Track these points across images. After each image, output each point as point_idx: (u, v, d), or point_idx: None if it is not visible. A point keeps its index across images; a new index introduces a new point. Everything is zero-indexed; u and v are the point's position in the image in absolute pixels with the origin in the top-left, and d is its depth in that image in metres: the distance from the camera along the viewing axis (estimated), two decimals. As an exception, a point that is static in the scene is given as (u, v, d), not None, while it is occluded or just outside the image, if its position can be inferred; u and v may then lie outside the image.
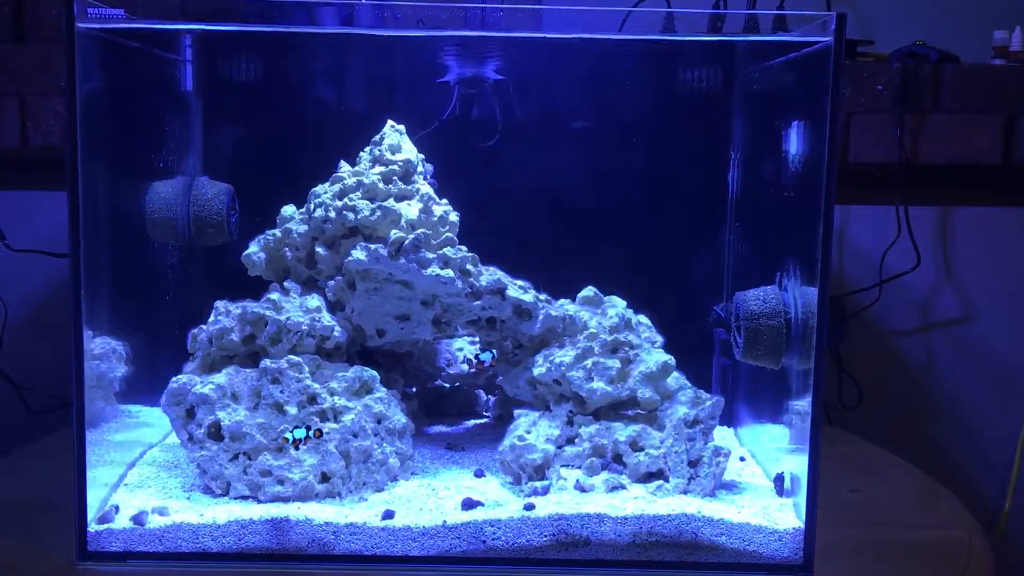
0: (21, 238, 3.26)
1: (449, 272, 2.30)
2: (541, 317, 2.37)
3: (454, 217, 2.45)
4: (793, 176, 2.29)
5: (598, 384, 2.27)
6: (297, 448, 1.99)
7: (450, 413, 2.73)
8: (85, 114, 1.98)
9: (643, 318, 2.49)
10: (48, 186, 3.07)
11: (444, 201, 2.50)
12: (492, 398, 2.72)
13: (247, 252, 2.43)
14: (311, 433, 1.97)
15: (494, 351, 2.41)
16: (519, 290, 2.38)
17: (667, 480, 2.18)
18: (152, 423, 2.63)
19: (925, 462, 2.84)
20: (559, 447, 2.25)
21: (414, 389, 2.67)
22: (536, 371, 2.33)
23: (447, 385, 2.76)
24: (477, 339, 2.69)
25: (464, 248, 2.38)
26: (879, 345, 3.61)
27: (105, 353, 2.46)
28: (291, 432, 2.07)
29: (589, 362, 2.29)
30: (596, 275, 2.62)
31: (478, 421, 2.72)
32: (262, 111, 2.85)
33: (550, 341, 2.42)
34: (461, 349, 2.71)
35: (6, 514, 2.26)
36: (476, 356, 2.37)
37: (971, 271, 3.55)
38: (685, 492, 2.17)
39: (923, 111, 3.09)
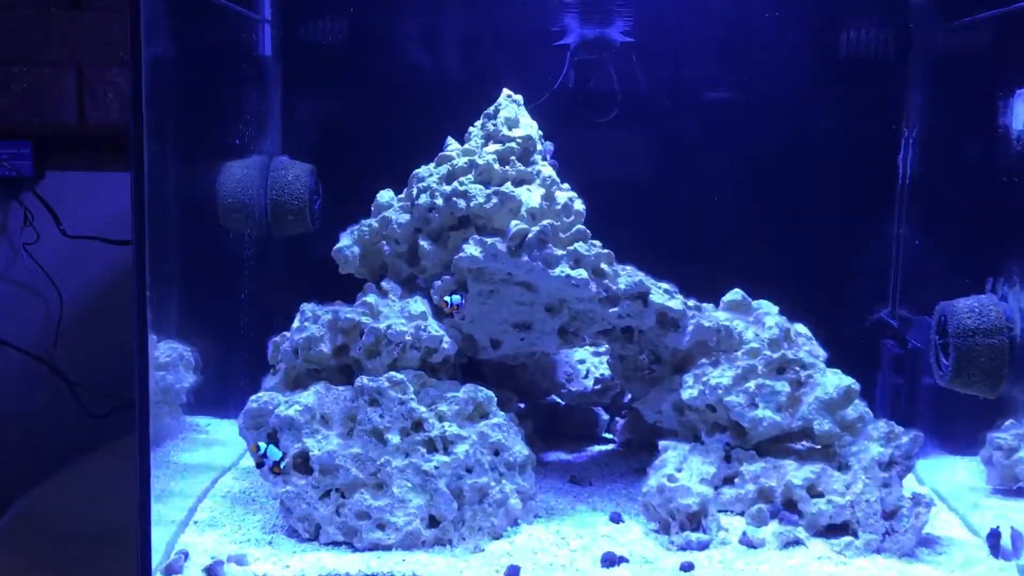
0: (78, 223, 2.94)
1: (582, 272, 1.90)
2: (691, 328, 1.96)
3: (580, 205, 2.05)
4: (1015, 158, 1.83)
5: (764, 412, 1.86)
6: (276, 471, 1.78)
7: (567, 435, 2.34)
8: (150, 83, 1.63)
9: (801, 327, 2.07)
10: (107, 167, 2.76)
11: (566, 186, 2.09)
12: (620, 420, 2.30)
13: (338, 246, 2.05)
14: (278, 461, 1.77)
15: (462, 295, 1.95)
16: (665, 295, 1.97)
17: (856, 535, 1.76)
18: (224, 440, 2.29)
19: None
20: (715, 487, 1.84)
21: (523, 405, 2.27)
22: (686, 394, 1.92)
23: (561, 402, 2.35)
24: (604, 349, 2.28)
25: (598, 243, 1.97)
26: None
27: (172, 362, 2.12)
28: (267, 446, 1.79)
29: (752, 384, 1.88)
30: (729, 272, 2.25)
31: (602, 448, 2.31)
32: (351, 79, 2.48)
33: (697, 356, 2.00)
34: (583, 361, 2.30)
35: (58, 549, 1.92)
36: (450, 301, 1.92)
37: None
38: (879, 551, 1.75)
39: None
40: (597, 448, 2.30)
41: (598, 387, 2.27)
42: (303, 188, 2.22)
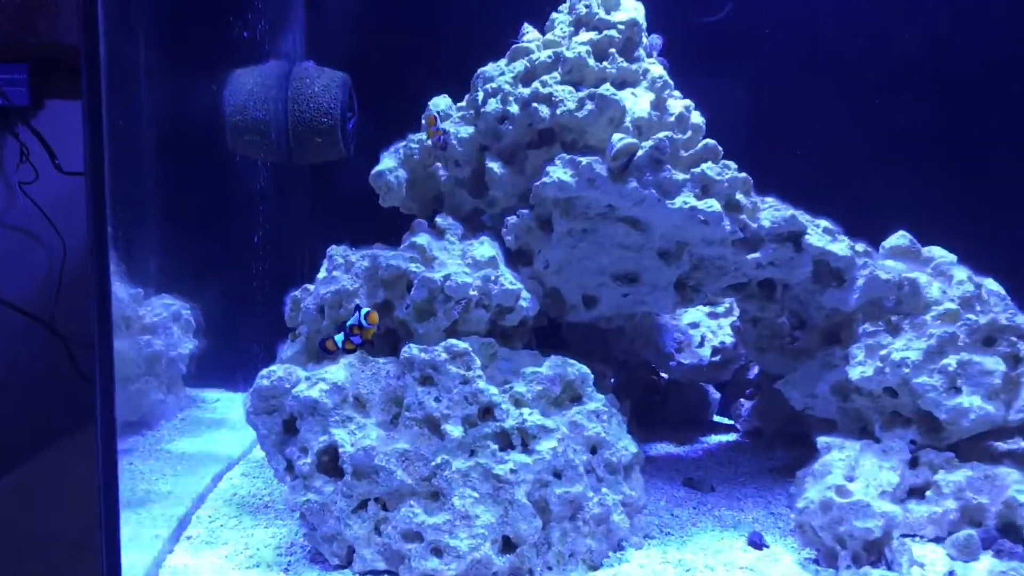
0: (77, 158, 2.47)
1: (712, 203, 1.39)
2: (861, 282, 1.43)
3: (698, 118, 1.53)
4: None
5: (970, 399, 1.35)
6: (351, 348, 1.38)
7: (672, 419, 1.82)
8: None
9: (992, 283, 1.55)
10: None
11: (678, 93, 1.56)
12: (744, 403, 1.78)
13: (378, 169, 1.58)
14: (362, 317, 1.34)
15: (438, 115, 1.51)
16: (824, 236, 1.45)
17: (1111, 577, 1.23)
18: (234, 420, 1.88)
19: None
20: (900, 502, 1.32)
21: (612, 380, 1.75)
22: (856, 372, 1.40)
23: (663, 375, 1.84)
24: (722, 309, 1.76)
25: (733, 165, 1.44)
26: None
27: (162, 323, 1.66)
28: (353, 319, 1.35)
29: (952, 360, 1.36)
30: (874, 210, 1.73)
31: (720, 438, 1.79)
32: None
33: (859, 320, 1.48)
34: (696, 325, 1.78)
35: (14, 560, 1.47)
36: (440, 134, 1.50)
37: None
38: None
39: None
40: (715, 439, 1.78)
41: (716, 359, 1.74)
42: (334, 102, 1.80)
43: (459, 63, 1.67)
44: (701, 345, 1.75)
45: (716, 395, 1.88)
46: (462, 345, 1.38)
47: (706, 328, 1.77)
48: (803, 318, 1.57)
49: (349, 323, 1.35)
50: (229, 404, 1.92)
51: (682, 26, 2.03)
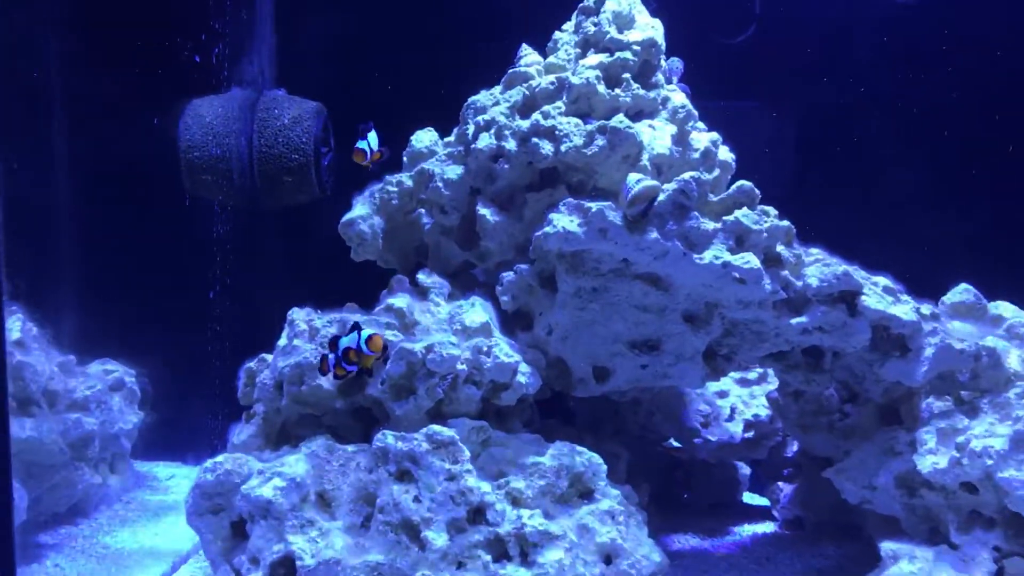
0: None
1: (748, 259, 1.16)
2: (930, 352, 1.19)
3: (727, 154, 1.32)
4: None
5: (1069, 498, 1.08)
6: (342, 374, 1.20)
7: (697, 503, 1.57)
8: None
9: (1069, 345, 1.30)
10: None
11: (702, 125, 1.35)
12: (783, 487, 1.52)
13: (349, 216, 1.38)
14: (362, 341, 1.17)
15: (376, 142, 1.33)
16: (884, 298, 1.22)
17: None
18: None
19: None
20: (985, 627, 1.08)
21: (627, 459, 1.50)
22: (925, 463, 1.18)
23: (681, 447, 1.59)
24: (754, 376, 1.52)
25: (772, 211, 1.21)
26: None
27: (97, 396, 1.43)
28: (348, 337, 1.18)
29: (1045, 449, 1.10)
30: (914, 252, 1.68)
31: (755, 528, 1.54)
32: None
33: (923, 393, 1.23)
34: (725, 395, 1.53)
35: None
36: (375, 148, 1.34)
37: None
38: None
39: None
40: (748, 529, 1.53)
41: (749, 435, 1.49)
42: (306, 135, 1.62)
43: (449, 90, 1.47)
44: (731, 419, 1.50)
45: (746, 470, 1.64)
46: (447, 433, 1.15)
47: (736, 398, 1.52)
48: (855, 390, 1.33)
49: (344, 344, 1.14)
50: (184, 482, 1.69)
51: (705, 48, 1.84)
